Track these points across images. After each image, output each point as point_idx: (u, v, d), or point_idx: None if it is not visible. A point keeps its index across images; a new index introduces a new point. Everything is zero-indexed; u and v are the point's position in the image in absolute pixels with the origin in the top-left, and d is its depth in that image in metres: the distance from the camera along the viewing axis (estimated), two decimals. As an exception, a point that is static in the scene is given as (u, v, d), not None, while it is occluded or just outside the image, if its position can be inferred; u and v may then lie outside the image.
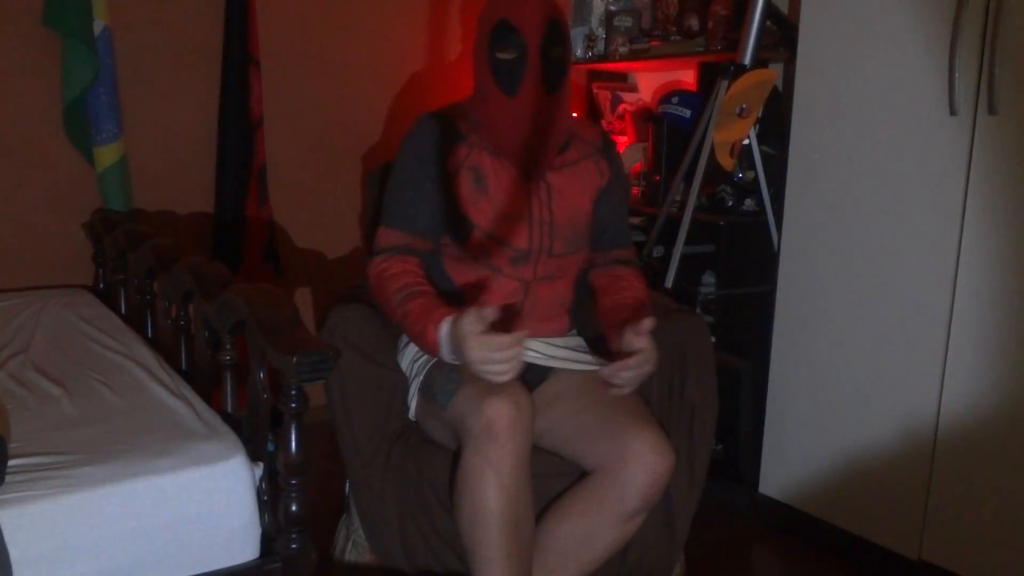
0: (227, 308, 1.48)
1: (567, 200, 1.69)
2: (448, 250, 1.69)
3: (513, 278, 1.67)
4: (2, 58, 2.27)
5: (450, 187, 1.65)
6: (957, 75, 1.73)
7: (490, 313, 1.41)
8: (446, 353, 1.48)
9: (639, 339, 1.48)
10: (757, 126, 2.32)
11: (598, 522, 1.52)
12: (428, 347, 1.51)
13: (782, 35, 2.33)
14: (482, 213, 1.64)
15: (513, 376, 1.41)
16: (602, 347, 1.80)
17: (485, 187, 1.65)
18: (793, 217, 2.14)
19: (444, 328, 1.47)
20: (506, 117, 1.62)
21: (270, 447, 1.42)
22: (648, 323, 1.47)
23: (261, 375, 1.42)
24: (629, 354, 1.49)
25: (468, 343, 1.40)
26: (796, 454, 2.17)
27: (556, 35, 1.60)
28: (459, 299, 1.66)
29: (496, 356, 1.38)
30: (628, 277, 1.75)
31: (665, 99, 2.67)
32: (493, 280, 1.66)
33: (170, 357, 1.79)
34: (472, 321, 1.40)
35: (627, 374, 1.50)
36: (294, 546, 1.35)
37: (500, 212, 1.65)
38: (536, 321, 1.70)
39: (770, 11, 2.20)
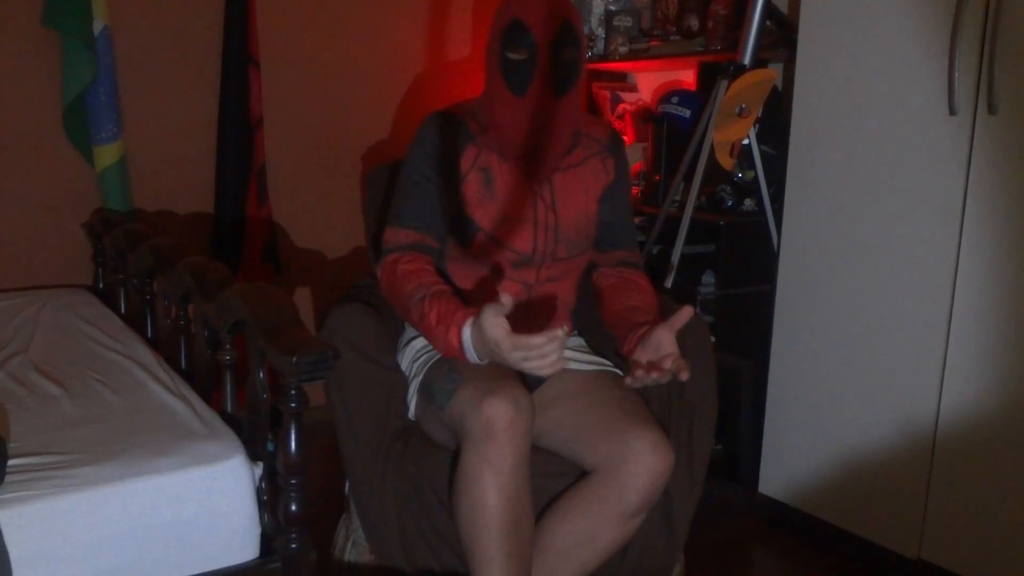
0: (227, 308, 1.48)
1: (572, 203, 1.68)
2: (450, 251, 1.68)
3: (515, 280, 1.66)
4: (2, 58, 2.27)
5: (458, 188, 1.63)
6: (957, 75, 1.73)
7: (507, 301, 1.37)
8: (472, 356, 1.46)
9: (669, 339, 1.47)
10: (757, 126, 2.32)
11: (598, 522, 1.52)
12: (450, 351, 1.49)
13: (782, 35, 2.33)
14: (487, 215, 1.63)
15: (559, 363, 1.37)
16: (603, 348, 1.80)
17: (492, 190, 1.63)
18: (793, 217, 2.13)
19: (467, 333, 1.44)
20: (513, 117, 1.61)
21: (270, 447, 1.41)
22: (686, 313, 1.46)
23: (261, 375, 1.42)
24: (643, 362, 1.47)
25: (502, 347, 1.37)
26: (796, 454, 2.17)
27: (568, 37, 1.58)
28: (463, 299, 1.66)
29: (534, 354, 1.35)
30: (637, 279, 1.73)
31: (665, 99, 2.67)
32: (495, 282, 1.65)
33: (170, 357, 1.79)
34: (494, 323, 1.37)
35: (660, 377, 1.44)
36: (294, 546, 1.35)
37: (504, 215, 1.64)
38: (538, 322, 1.70)
39: (770, 11, 2.20)
